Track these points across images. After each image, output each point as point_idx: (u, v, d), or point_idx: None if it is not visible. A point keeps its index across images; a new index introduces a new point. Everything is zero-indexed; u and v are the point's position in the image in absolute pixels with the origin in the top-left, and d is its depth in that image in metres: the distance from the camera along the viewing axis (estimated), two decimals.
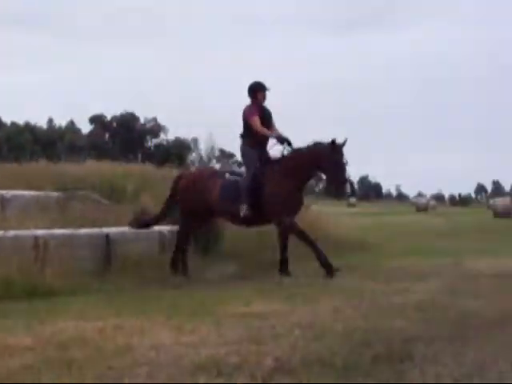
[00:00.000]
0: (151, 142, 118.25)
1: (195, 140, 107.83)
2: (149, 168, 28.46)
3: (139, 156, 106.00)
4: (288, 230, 14.33)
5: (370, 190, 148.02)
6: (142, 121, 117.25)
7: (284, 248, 14.62)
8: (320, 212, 25.59)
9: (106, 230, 14.73)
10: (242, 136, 14.33)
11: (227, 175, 14.71)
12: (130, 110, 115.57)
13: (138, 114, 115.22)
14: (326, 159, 13.53)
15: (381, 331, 8.05)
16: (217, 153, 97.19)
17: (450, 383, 6.04)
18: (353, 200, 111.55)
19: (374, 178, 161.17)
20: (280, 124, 14.37)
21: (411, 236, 27.86)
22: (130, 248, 14.60)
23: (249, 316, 9.13)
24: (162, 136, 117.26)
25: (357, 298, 10.77)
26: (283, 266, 14.47)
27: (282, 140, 14.00)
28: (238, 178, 14.38)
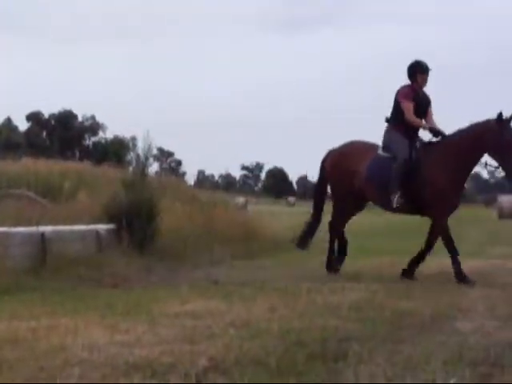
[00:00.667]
0: (89, 140, 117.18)
1: (134, 138, 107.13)
2: (86, 166, 28.31)
3: (77, 154, 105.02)
4: (440, 230, 12.77)
5: (310, 189, 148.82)
6: (80, 119, 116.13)
7: (428, 247, 13.26)
8: (257, 211, 25.69)
9: (41, 228, 14.54)
10: (390, 119, 13.01)
11: (380, 151, 13.04)
12: (67, 107, 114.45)
13: (76, 111, 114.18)
14: (493, 140, 11.79)
15: (316, 330, 8.07)
16: (155, 151, 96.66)
17: (383, 383, 6.07)
18: (291, 199, 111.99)
19: (313, 177, 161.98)
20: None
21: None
22: (65, 247, 14.45)
23: (184, 315, 9.10)
24: (101, 134, 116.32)
25: (293, 297, 10.81)
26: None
27: (436, 133, 12.61)
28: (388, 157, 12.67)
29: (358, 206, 14.17)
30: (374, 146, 13.31)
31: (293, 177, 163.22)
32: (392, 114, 12.86)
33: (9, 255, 13.23)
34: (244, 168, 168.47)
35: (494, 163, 12.29)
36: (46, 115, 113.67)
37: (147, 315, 9.12)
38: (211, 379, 6.07)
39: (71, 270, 13.80)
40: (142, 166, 17.87)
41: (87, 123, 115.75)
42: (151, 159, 18.90)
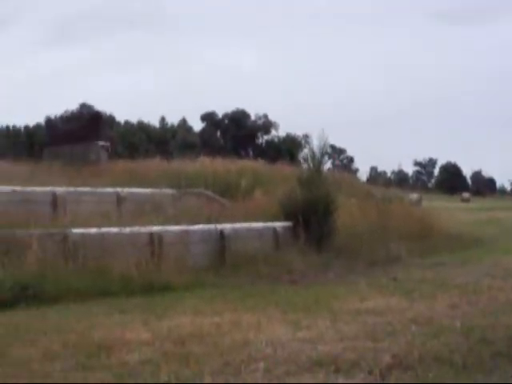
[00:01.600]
0: (262, 139, 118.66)
1: (306, 136, 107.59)
2: (261, 165, 28.61)
3: (250, 153, 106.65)
4: None
5: (483, 185, 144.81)
6: (252, 117, 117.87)
7: None
8: (431, 208, 25.23)
9: (220, 226, 14.87)
10: None
11: None
12: (240, 107, 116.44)
13: (248, 110, 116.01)
14: None
15: (500, 328, 7.84)
16: (328, 149, 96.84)
17: None
18: (466, 195, 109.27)
19: (487, 172, 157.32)
20: None
21: None
22: (243, 244, 14.70)
23: (364, 312, 9.05)
24: (273, 132, 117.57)
25: (474, 294, 10.54)
26: None
27: None
28: None
29: None
30: None
31: (467, 172, 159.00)
32: None
33: (189, 252, 13.60)
34: (417, 164, 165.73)
35: None
36: (220, 115, 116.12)
37: (328, 312, 9.13)
38: (395, 376, 6.00)
39: (249, 267, 14.01)
40: (318, 163, 17.92)
41: (260, 122, 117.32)
42: (326, 156, 18.95)
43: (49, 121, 42.95)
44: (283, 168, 27.38)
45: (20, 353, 7.24)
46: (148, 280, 11.86)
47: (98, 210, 15.59)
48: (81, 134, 25.43)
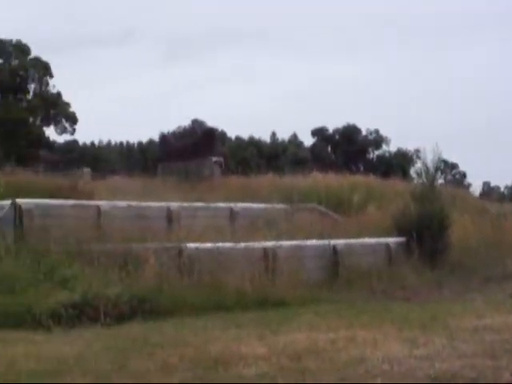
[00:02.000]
0: (373, 154, 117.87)
1: (417, 151, 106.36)
2: (373, 180, 28.42)
3: (361, 168, 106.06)
4: None
5: None
6: (363, 133, 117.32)
7: None
8: None
9: (333, 241, 14.84)
10: None
11: None
12: (351, 122, 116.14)
13: (359, 125, 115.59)
14: None
15: None
16: (441, 163, 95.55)
17: None
18: None
19: None
20: None
21: None
22: (356, 260, 14.65)
23: (482, 329, 8.86)
24: (384, 147, 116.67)
25: None
26: None
27: None
28: None
29: None
30: None
31: None
32: None
33: (302, 268, 13.62)
34: None
35: None
36: (331, 130, 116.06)
37: (444, 329, 8.98)
38: None
39: (363, 282, 13.94)
40: (431, 178, 17.71)
41: (371, 137, 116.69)
42: (439, 171, 18.71)
43: (163, 137, 43.57)
44: (395, 183, 27.13)
45: (138, 365, 7.39)
46: (262, 295, 11.93)
47: (211, 224, 15.78)
48: (194, 150, 25.85)
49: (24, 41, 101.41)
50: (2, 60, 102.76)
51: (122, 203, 15.90)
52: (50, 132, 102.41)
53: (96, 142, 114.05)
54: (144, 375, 6.94)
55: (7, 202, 13.75)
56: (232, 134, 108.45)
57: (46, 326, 9.80)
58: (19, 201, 13.76)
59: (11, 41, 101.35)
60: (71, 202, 14.96)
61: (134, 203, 16.07)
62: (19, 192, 15.57)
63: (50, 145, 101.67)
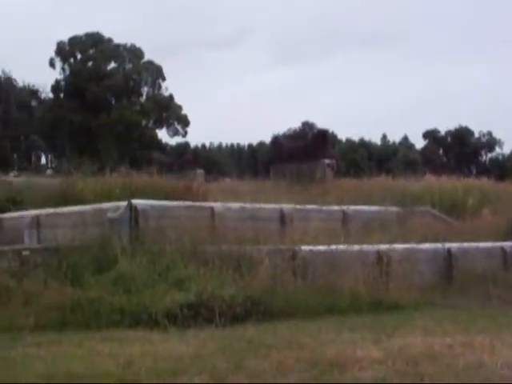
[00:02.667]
0: (486, 156, 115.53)
1: None
2: (487, 183, 27.85)
3: (473, 170, 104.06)
4: None
5: None
6: (476, 135, 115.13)
7: None
8: None
9: (447, 245, 14.61)
10: None
11: None
12: (463, 124, 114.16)
13: (472, 128, 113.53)
14: None
15: None
16: None
17: None
18: None
19: None
20: None
21: None
22: (471, 264, 14.38)
23: None
24: (498, 150, 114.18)
25: None
26: None
27: None
28: None
29: None
30: None
31: None
32: None
33: (416, 271, 13.45)
34: None
35: None
36: (443, 132, 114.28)
37: None
38: None
39: (477, 287, 13.67)
40: None
41: (483, 139, 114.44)
42: None
43: (275, 139, 43.88)
44: (510, 186, 26.50)
45: (254, 366, 7.44)
46: (376, 298, 11.84)
47: (324, 227, 15.75)
48: (306, 152, 25.87)
49: (137, 45, 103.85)
50: (116, 64, 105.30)
51: (236, 205, 16.03)
52: (163, 134, 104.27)
53: (207, 145, 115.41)
54: (260, 375, 6.98)
55: (123, 203, 14.03)
56: (342, 135, 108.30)
57: (162, 326, 9.96)
58: (135, 202, 14.03)
59: (125, 45, 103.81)
60: (186, 203, 15.16)
61: (247, 205, 16.18)
62: (134, 193, 15.89)
63: (162, 147, 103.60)
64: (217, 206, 15.44)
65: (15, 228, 16.09)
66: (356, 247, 13.14)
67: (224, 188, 19.89)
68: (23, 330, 10.03)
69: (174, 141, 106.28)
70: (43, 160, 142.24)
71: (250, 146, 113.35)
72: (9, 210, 17.15)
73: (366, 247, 13.34)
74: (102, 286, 11.21)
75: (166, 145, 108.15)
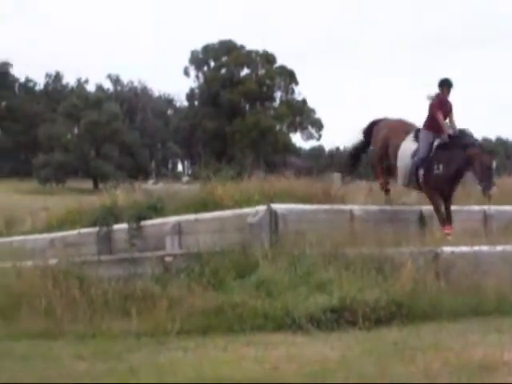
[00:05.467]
0: None
1: None
2: None
3: None
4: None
5: None
6: None
7: None
8: None
9: None
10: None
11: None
12: None
13: None
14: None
15: None
16: None
17: None
18: None
19: None
20: None
21: None
22: None
23: None
24: None
25: None
26: None
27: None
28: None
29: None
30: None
31: None
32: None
33: None
34: None
35: None
36: None
37: None
38: None
39: None
40: None
41: None
42: None
43: None
44: None
45: (400, 369, 7.38)
46: None
47: (465, 227, 15.40)
48: None
49: (270, 50, 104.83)
50: (250, 70, 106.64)
51: (374, 207, 15.91)
52: (296, 138, 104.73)
53: (341, 148, 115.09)
54: (407, 380, 6.89)
55: (262, 208, 14.12)
56: (478, 134, 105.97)
57: (305, 329, 9.97)
58: (274, 206, 14.10)
59: (257, 51, 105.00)
60: (324, 206, 15.11)
61: (386, 207, 16.04)
62: (273, 198, 15.98)
63: (296, 151, 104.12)
64: (355, 208, 15.35)
65: (157, 235, 16.44)
66: (499, 247, 12.78)
67: (361, 190, 19.67)
68: (168, 334, 10.24)
69: (308, 145, 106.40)
70: (180, 167, 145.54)
71: None
72: (150, 218, 17.51)
73: (509, 247, 12.95)
74: (244, 290, 11.32)
75: (301, 149, 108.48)
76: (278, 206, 14.13)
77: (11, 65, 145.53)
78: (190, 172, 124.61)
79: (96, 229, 18.10)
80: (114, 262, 14.12)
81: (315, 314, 10.18)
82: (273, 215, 13.88)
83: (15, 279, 13.07)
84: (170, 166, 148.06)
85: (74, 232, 19.06)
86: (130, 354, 9.15)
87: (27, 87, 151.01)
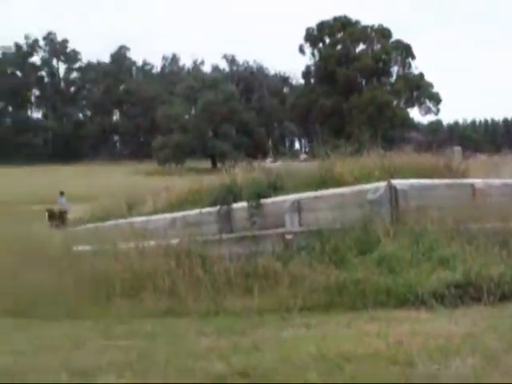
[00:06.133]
0: None
1: None
2: None
3: None
4: None
5: None
6: None
7: None
8: None
9: None
10: None
11: None
12: None
13: None
14: None
15: None
16: None
17: None
18: None
19: None
20: None
21: None
22: None
23: None
24: None
25: None
26: None
27: None
28: None
29: None
30: None
31: None
32: None
33: None
34: None
35: None
36: None
37: None
38: None
39: None
40: None
41: None
42: None
43: None
44: None
45: None
46: None
47: None
48: None
49: (385, 25, 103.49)
50: (365, 45, 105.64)
51: (497, 181, 15.56)
52: (414, 113, 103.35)
53: (460, 122, 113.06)
54: None
55: (382, 184, 14.00)
56: None
57: (429, 305, 9.85)
58: (394, 182, 13.95)
59: (373, 26, 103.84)
60: (446, 181, 14.86)
61: (509, 180, 15.67)
62: (393, 173, 15.83)
63: (414, 126, 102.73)
64: (478, 182, 15.02)
65: (276, 212, 16.51)
66: None
67: (482, 164, 19.28)
68: (291, 311, 10.30)
69: (425, 119, 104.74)
70: (296, 145, 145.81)
71: (505, 120, 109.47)
72: (269, 196, 17.61)
73: None
74: (365, 267, 11.26)
75: (419, 124, 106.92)
76: (398, 182, 13.98)
77: (128, 49, 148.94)
78: (306, 150, 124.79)
79: (216, 208, 18.30)
80: (234, 240, 14.25)
81: (439, 290, 10.04)
82: (393, 191, 13.73)
83: (139, 259, 13.37)
84: (286, 144, 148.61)
85: (195, 211, 19.33)
86: (253, 331, 9.26)
87: (144, 70, 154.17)
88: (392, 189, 13.74)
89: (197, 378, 6.92)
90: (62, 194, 39.88)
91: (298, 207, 15.84)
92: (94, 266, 13.83)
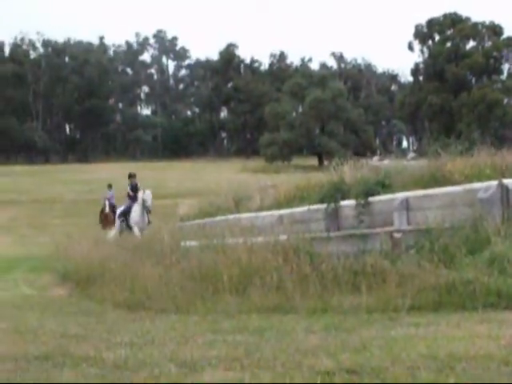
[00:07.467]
0: None
1: None
2: None
3: None
4: None
5: None
6: None
7: None
8: None
9: None
10: None
11: None
12: None
13: None
14: None
15: None
16: None
17: None
18: None
19: None
20: None
21: None
22: None
23: None
24: None
25: None
26: None
27: None
28: None
29: None
30: None
31: None
32: None
33: None
34: None
35: None
36: None
37: None
38: None
39: None
40: None
41: None
42: None
43: None
44: None
45: None
46: None
47: None
48: None
49: (496, 21, 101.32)
50: (475, 42, 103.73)
51: None
52: None
53: None
54: None
55: (494, 183, 13.73)
56: None
57: None
58: (505, 181, 13.65)
59: (483, 22, 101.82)
60: None
61: None
62: (504, 172, 15.50)
63: None
64: None
65: (385, 210, 16.39)
66: None
67: None
68: (399, 310, 10.22)
69: None
70: (404, 143, 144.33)
71: None
72: (378, 194, 17.51)
73: None
74: (475, 267, 11.06)
75: None
76: (509, 181, 13.67)
77: (237, 46, 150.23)
78: (414, 148, 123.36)
79: (324, 205, 18.30)
80: (342, 238, 14.24)
81: None
82: (504, 190, 13.44)
83: (246, 255, 13.49)
84: (394, 142, 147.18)
85: (303, 208, 19.37)
86: (362, 329, 9.22)
87: (253, 67, 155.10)
88: (504, 188, 13.45)
89: (305, 374, 6.93)
90: (110, 186, 38.86)
91: (406, 206, 15.69)
92: (202, 261, 14.04)
